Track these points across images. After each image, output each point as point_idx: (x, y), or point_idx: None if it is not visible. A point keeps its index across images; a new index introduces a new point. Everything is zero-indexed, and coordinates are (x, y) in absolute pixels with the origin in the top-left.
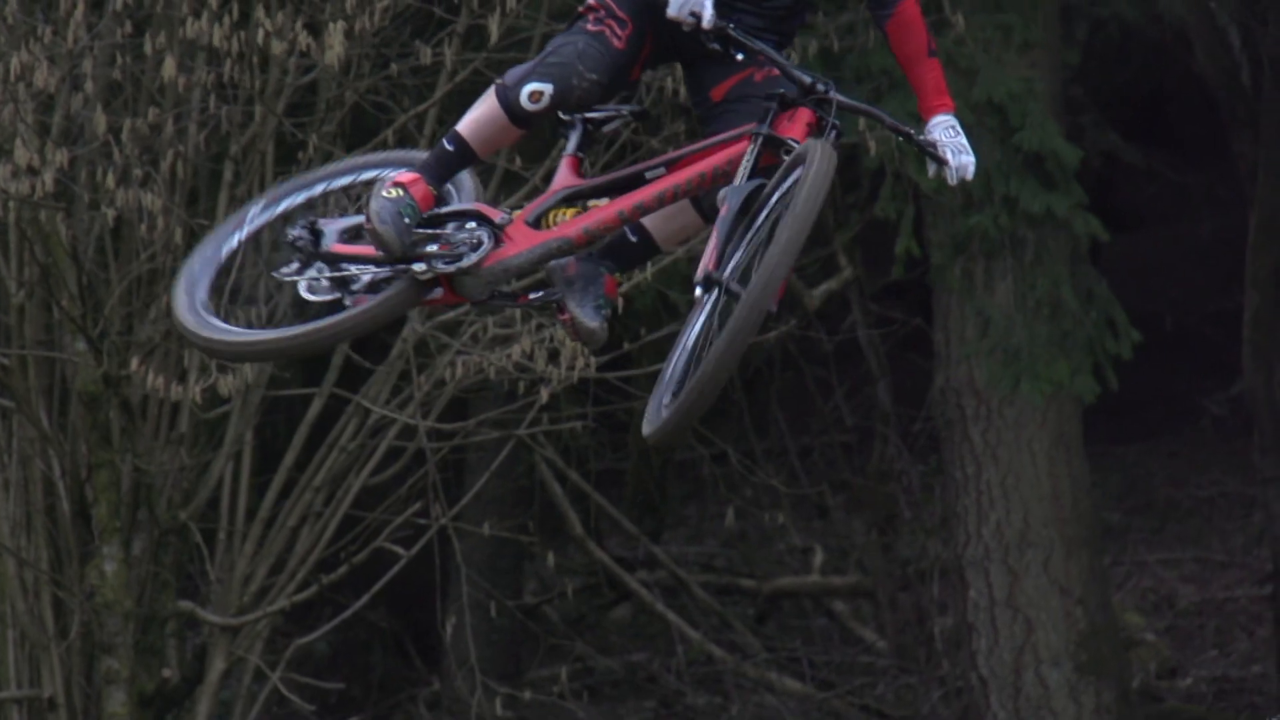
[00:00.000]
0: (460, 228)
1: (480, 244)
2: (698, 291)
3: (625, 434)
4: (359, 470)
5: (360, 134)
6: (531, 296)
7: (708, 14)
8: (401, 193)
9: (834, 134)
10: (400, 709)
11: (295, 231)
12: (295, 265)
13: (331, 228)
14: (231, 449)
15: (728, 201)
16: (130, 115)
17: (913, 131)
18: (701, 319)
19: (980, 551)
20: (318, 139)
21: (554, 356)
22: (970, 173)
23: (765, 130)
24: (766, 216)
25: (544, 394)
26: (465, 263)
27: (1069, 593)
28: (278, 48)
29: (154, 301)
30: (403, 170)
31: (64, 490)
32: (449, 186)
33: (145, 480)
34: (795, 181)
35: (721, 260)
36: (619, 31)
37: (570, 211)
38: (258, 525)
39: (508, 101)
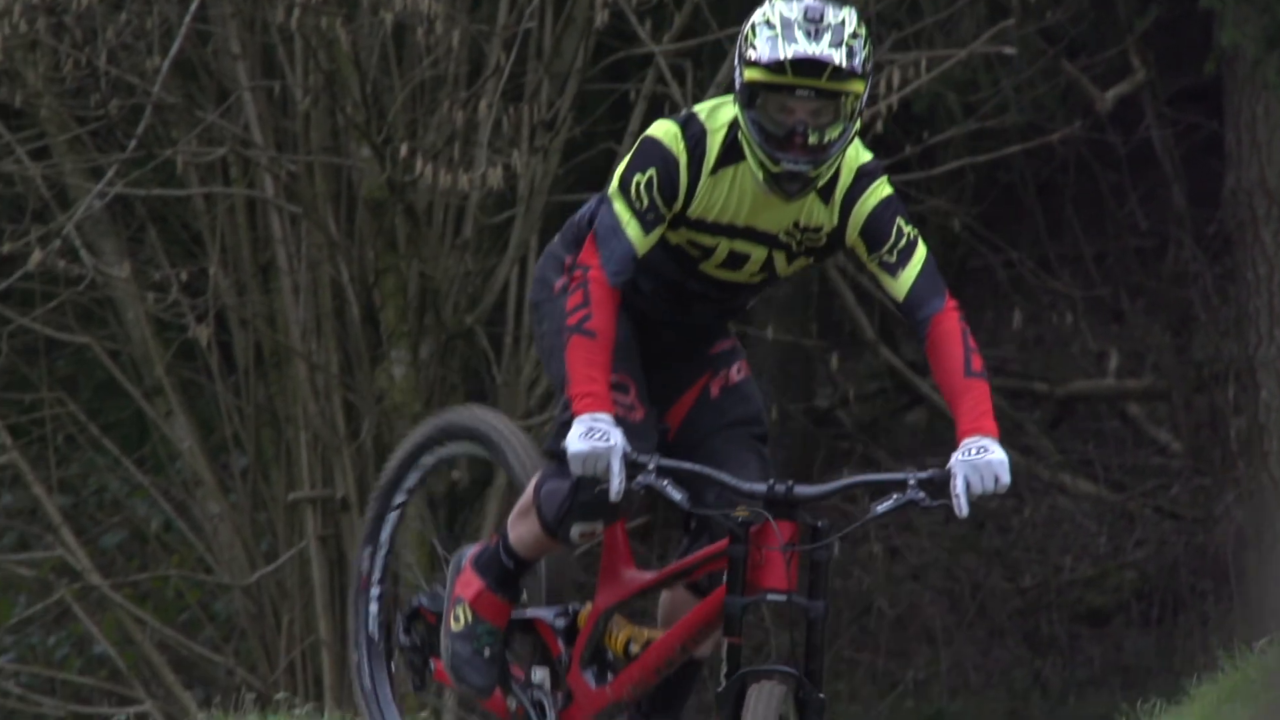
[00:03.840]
0: (525, 684)
1: (544, 710)
2: None
3: None
4: None
5: None
6: None
7: (615, 487)
8: (471, 618)
9: (824, 553)
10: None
11: (404, 641)
12: (415, 679)
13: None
14: (516, 254)
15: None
16: None
17: (910, 479)
18: None
19: (1272, 352)
20: None
21: None
22: (987, 489)
23: (739, 604)
24: None
25: None
26: None
27: None
28: None
29: (436, 108)
30: (467, 572)
31: (352, 295)
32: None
33: (431, 285)
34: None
35: None
36: (625, 399)
37: (621, 637)
38: None
39: (556, 534)
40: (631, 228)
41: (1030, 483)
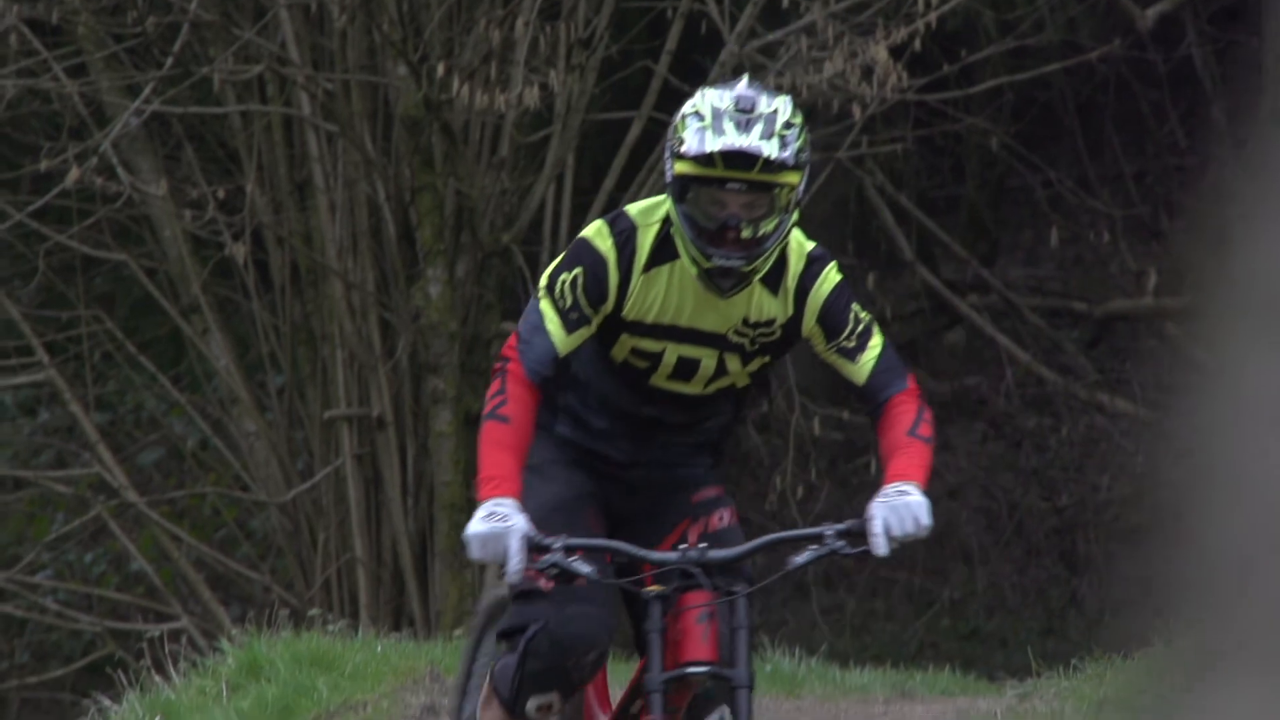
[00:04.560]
0: None
1: None
2: None
3: (951, 158)
4: None
5: None
6: None
7: (513, 566)
8: None
9: (743, 618)
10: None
11: None
12: None
13: None
14: (552, 172)
15: None
16: None
17: (827, 532)
18: None
19: None
20: None
21: (867, 75)
22: (906, 531)
23: (658, 679)
24: None
25: (857, 114)
26: None
27: None
28: None
29: (473, 26)
30: None
31: (388, 213)
32: None
33: (467, 204)
34: None
35: None
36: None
37: None
38: None
39: (514, 711)
40: (554, 326)
41: (1068, 402)
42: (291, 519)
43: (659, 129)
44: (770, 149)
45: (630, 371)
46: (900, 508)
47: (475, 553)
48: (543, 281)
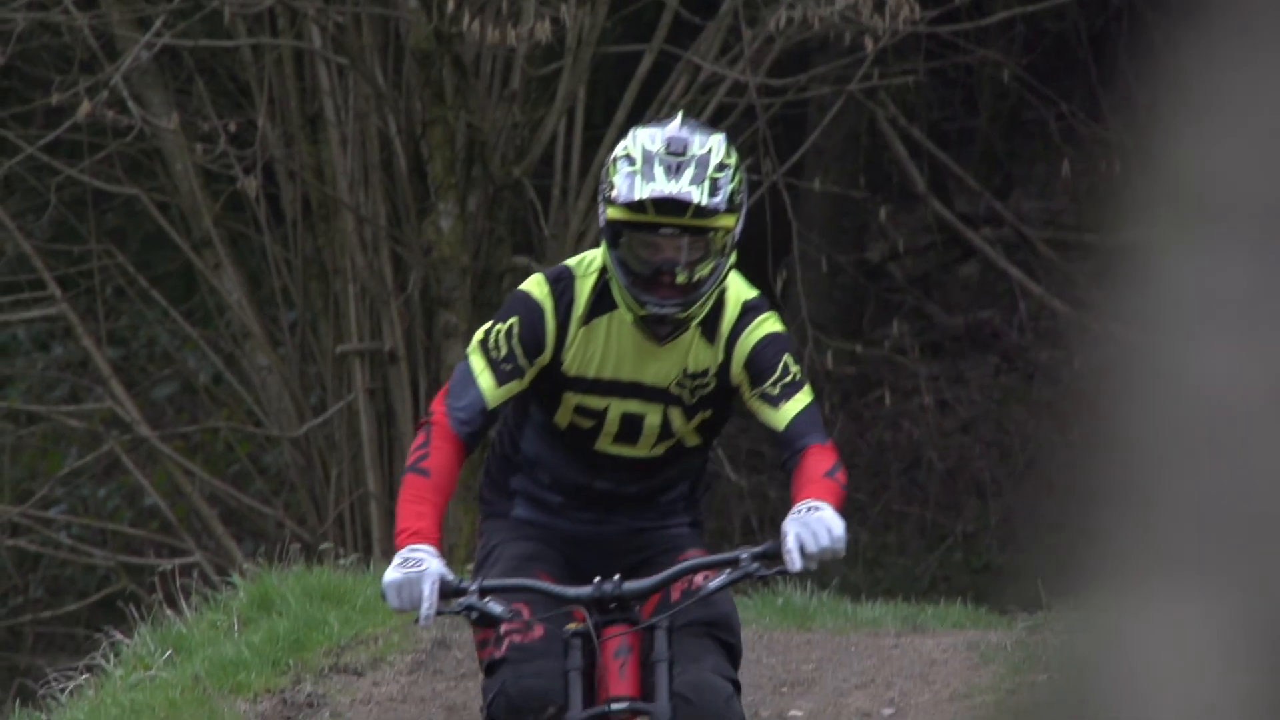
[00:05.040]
0: None
1: None
2: None
3: (963, 90)
4: None
5: None
6: None
7: (424, 611)
8: None
9: (661, 651)
10: None
11: None
12: None
13: None
14: (564, 105)
15: None
16: None
17: (742, 556)
18: None
19: None
20: None
21: (879, 6)
22: (821, 544)
23: (579, 712)
24: None
25: (870, 46)
26: None
27: None
28: None
29: None
30: None
31: (400, 147)
32: None
33: (479, 137)
34: None
35: None
36: (515, 625)
37: None
38: (591, 180)
39: None
40: (484, 379)
41: (1081, 334)
42: (304, 454)
43: (670, 62)
44: (701, 194)
45: (576, 436)
46: (813, 522)
47: (391, 601)
48: (475, 338)
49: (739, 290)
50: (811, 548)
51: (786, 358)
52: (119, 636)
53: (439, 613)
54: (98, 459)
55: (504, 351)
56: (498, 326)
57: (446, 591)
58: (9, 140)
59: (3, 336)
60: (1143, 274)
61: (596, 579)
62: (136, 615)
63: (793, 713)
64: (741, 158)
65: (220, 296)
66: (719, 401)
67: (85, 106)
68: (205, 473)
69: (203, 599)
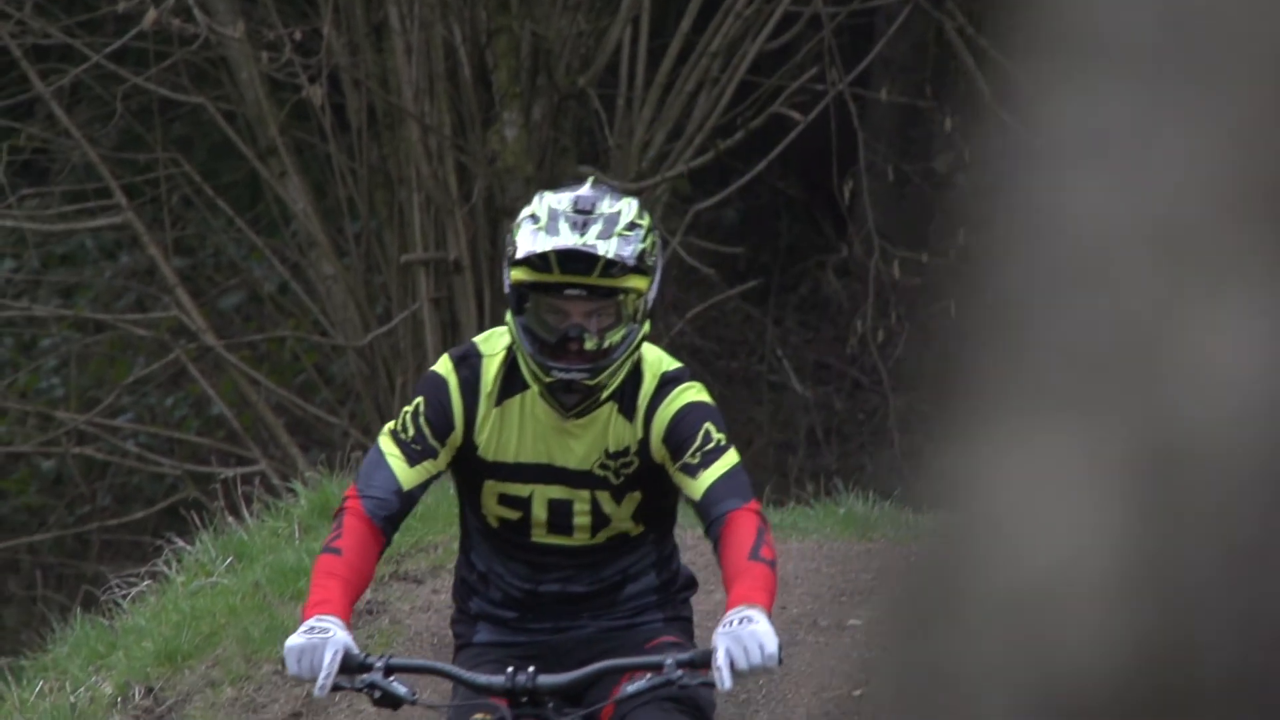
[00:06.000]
0: None
1: None
2: None
3: None
4: (755, 35)
5: None
6: None
7: (320, 680)
8: None
9: None
10: (808, 275)
11: None
12: None
13: None
14: (628, 14)
15: None
16: None
17: (667, 661)
18: None
19: None
20: None
21: None
22: (753, 662)
23: None
24: None
25: None
26: None
27: None
28: None
29: None
30: None
31: (465, 56)
32: None
33: (544, 46)
34: None
35: None
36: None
37: None
38: (655, 90)
39: None
40: (395, 461)
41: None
42: (369, 363)
43: None
44: (608, 249)
45: (510, 530)
46: (745, 637)
47: (290, 667)
48: (385, 426)
49: (658, 362)
50: (742, 664)
51: (708, 425)
52: (181, 544)
53: (338, 687)
54: (164, 367)
55: (411, 433)
56: (406, 409)
57: (350, 665)
58: (75, 48)
59: (70, 245)
60: (1026, 114)
61: (510, 669)
62: (199, 523)
63: (852, 621)
64: (807, 68)
65: (286, 206)
66: (647, 482)
67: (151, 14)
68: (271, 382)
69: (264, 507)
